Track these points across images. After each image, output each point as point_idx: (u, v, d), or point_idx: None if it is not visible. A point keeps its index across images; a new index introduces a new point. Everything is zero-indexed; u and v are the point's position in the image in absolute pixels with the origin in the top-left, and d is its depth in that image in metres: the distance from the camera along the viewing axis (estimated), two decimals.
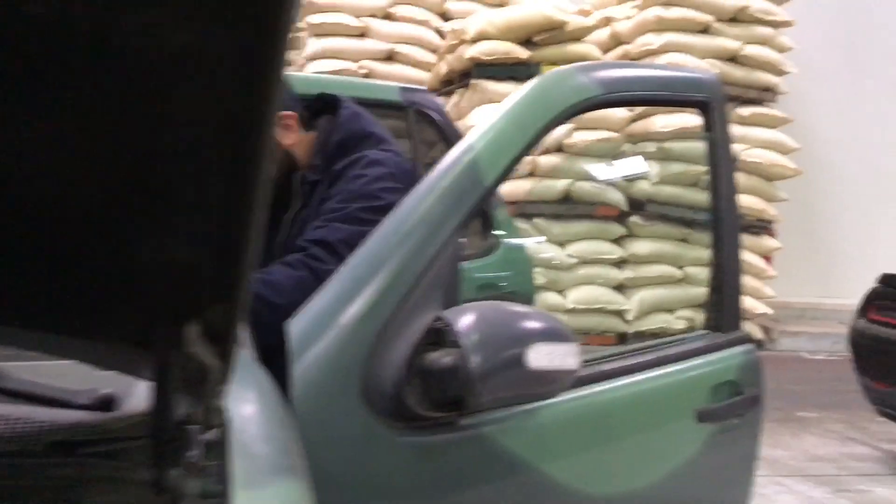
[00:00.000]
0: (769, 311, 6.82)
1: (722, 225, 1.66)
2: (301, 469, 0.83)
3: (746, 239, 6.74)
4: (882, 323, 4.04)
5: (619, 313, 6.27)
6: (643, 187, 6.43)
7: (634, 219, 6.35)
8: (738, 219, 1.73)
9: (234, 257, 0.56)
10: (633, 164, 6.69)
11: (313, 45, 7.09)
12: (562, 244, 6.24)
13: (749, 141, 6.73)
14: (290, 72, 7.26)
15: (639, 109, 6.54)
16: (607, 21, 7.12)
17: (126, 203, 0.52)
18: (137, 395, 0.88)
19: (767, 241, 6.91)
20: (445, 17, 7.46)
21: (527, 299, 2.68)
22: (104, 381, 0.90)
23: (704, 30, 6.71)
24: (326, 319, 1.14)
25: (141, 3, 0.40)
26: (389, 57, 7.12)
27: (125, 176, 0.50)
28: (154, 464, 0.70)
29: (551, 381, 1.19)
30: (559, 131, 6.01)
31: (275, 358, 1.15)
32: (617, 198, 6.30)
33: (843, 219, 8.68)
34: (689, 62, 6.32)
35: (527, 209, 6.17)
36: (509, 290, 2.57)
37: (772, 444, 4.30)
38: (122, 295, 0.62)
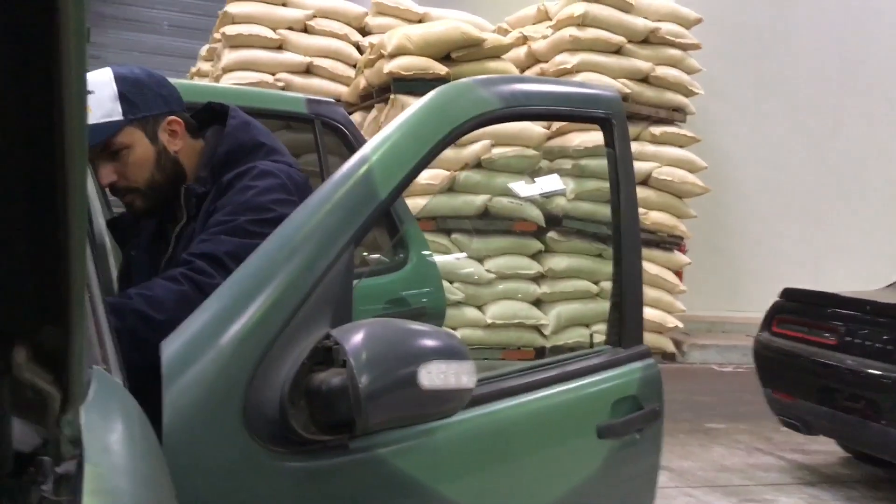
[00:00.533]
0: (680, 324, 6.99)
1: (623, 240, 1.68)
2: None
3: (658, 254, 6.92)
4: (784, 336, 4.18)
5: (538, 328, 6.33)
6: (560, 203, 6.52)
7: (552, 234, 6.43)
8: (639, 234, 1.75)
9: (55, 273, 0.50)
10: (550, 181, 6.79)
11: (229, 56, 6.95)
12: (481, 259, 6.26)
13: (660, 159, 6.92)
14: (202, 83, 7.07)
15: (556, 126, 6.65)
16: (524, 39, 7.23)
17: None
18: None
19: (678, 257, 7.10)
20: (364, 31, 7.43)
21: (438, 315, 2.65)
22: None
23: (618, 50, 6.88)
24: (205, 339, 1.07)
25: None
26: (307, 70, 7.05)
27: None
28: None
29: (446, 401, 1.15)
30: (476, 146, 6.04)
31: (155, 378, 1.08)
32: (535, 213, 6.37)
33: (749, 235, 9.02)
34: (603, 81, 6.46)
35: (446, 224, 6.17)
36: (419, 306, 2.53)
37: (681, 454, 4.39)
38: None
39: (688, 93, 7.16)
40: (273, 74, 6.90)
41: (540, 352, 6.31)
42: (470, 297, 6.13)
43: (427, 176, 5.63)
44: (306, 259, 1.16)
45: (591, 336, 1.75)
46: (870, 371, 3.63)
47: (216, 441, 1.05)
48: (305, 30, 7.15)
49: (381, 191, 1.26)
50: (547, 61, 6.98)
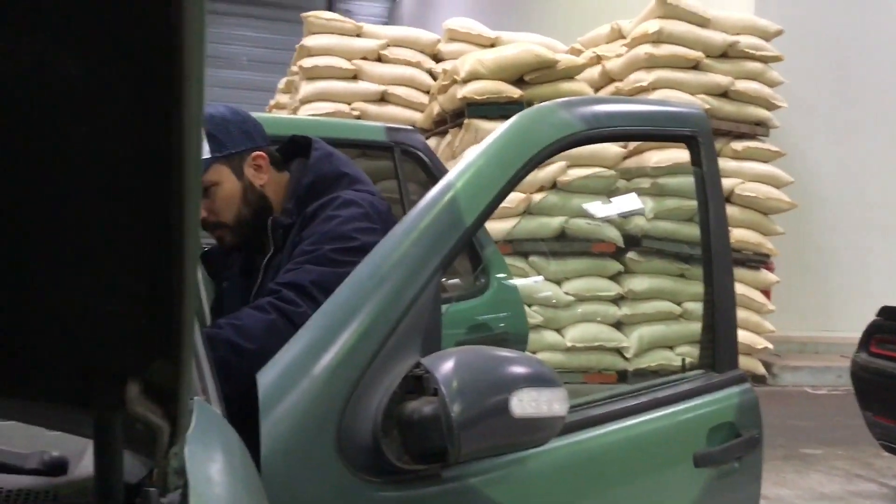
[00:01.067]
0: (770, 345, 6.75)
1: (714, 260, 1.62)
2: None
3: (745, 273, 6.71)
4: (884, 357, 3.97)
5: (619, 351, 6.20)
6: (639, 223, 6.41)
7: (631, 255, 6.31)
8: (730, 254, 1.69)
9: (168, 310, 0.51)
10: (627, 200, 6.68)
11: (306, 88, 7.13)
12: (558, 282, 6.20)
13: (743, 175, 6.73)
14: (284, 115, 7.28)
15: (632, 145, 6.56)
16: (598, 59, 7.17)
17: (33, 253, 0.48)
18: (91, 456, 0.82)
19: (766, 275, 6.86)
20: (437, 58, 7.52)
21: (520, 340, 2.62)
22: (56, 442, 0.85)
23: (695, 66, 6.75)
24: (299, 369, 1.09)
25: (23, 32, 0.36)
26: (382, 98, 7.17)
27: (26, 223, 0.45)
28: None
29: (538, 429, 1.13)
30: (552, 168, 6.00)
31: (246, 407, 1.10)
32: (613, 234, 6.28)
33: (840, 250, 8.65)
34: (680, 98, 6.34)
35: (522, 247, 6.14)
36: (502, 331, 2.52)
37: (777, 482, 4.21)
38: (52, 352, 0.58)
39: (770, 106, 6.96)
40: (349, 104, 7.04)
41: (622, 375, 6.18)
42: (549, 320, 6.06)
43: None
44: (395, 288, 1.17)
45: (684, 360, 1.68)
46: None
47: (312, 470, 1.06)
48: (379, 59, 7.28)
49: (467, 217, 1.26)
50: (622, 80, 6.90)
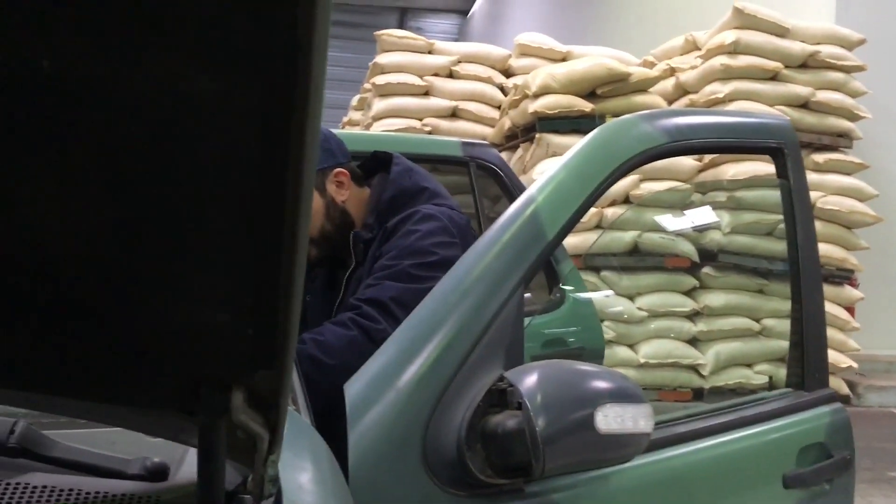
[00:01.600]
0: (854, 364, 6.48)
1: (802, 275, 1.58)
2: None
3: (828, 290, 6.47)
4: None
5: (694, 368, 6.06)
6: (714, 237, 6.26)
7: (706, 270, 6.17)
8: (819, 269, 1.64)
9: (274, 320, 0.52)
10: (703, 214, 6.53)
11: (378, 104, 7.25)
12: (632, 297, 6.10)
13: (825, 188, 6.51)
14: (362, 132, 7.42)
15: (707, 158, 6.42)
16: (672, 71, 7.06)
17: (150, 264, 0.50)
18: (190, 463, 0.85)
19: (849, 292, 6.61)
20: (508, 73, 7.54)
21: (596, 355, 2.59)
22: (157, 449, 0.87)
23: (773, 77, 6.58)
24: (384, 382, 1.10)
25: (158, 50, 0.38)
26: (453, 114, 7.22)
27: (146, 235, 0.48)
28: None
29: (623, 445, 1.11)
30: (625, 182, 5.92)
31: (326, 420, 1.11)
32: (687, 248, 6.15)
33: None
34: (758, 109, 6.19)
35: (595, 262, 6.07)
36: (577, 346, 2.49)
37: None
38: (164, 361, 0.60)
39: (853, 117, 6.72)
40: (420, 120, 7.12)
41: (697, 393, 6.04)
42: (621, 335, 5.97)
43: None
44: (478, 301, 1.17)
45: (770, 378, 1.64)
46: None
47: (398, 481, 1.07)
48: (451, 75, 7.34)
49: (549, 231, 1.25)
50: (696, 92, 6.77)
